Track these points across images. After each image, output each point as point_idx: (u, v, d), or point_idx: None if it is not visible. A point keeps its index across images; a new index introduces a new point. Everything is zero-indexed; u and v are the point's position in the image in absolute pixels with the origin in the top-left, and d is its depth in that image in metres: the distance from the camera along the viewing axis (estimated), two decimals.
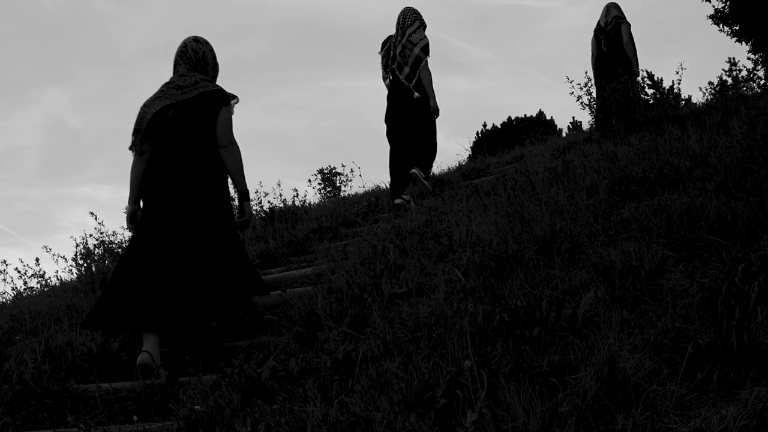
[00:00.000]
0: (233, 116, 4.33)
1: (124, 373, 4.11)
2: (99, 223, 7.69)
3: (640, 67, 8.22)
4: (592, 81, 8.15)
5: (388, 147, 7.22)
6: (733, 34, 13.25)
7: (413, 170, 6.88)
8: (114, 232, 7.73)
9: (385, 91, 7.24)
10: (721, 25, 13.41)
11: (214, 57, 4.49)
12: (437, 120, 7.22)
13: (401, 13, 7.19)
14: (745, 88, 11.98)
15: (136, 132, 4.26)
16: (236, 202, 4.47)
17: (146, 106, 4.30)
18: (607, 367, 2.45)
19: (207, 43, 4.49)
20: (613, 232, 3.89)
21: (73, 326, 4.82)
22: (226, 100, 4.30)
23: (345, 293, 4.12)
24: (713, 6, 13.43)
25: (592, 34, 8.43)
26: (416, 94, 6.98)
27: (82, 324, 4.37)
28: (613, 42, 8.19)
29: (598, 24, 8.41)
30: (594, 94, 7.86)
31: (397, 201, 6.83)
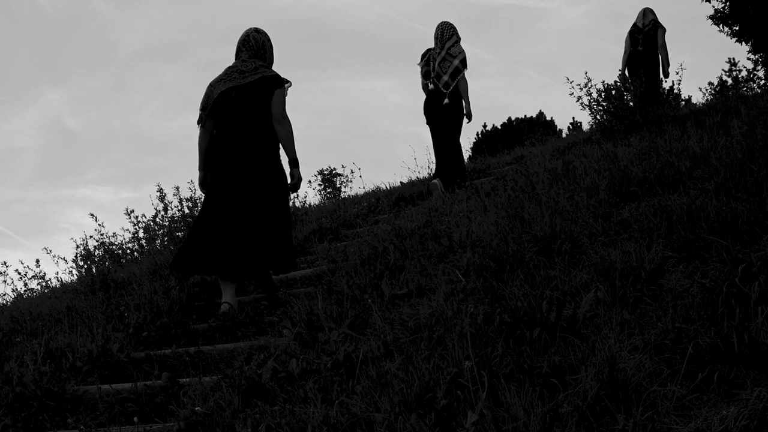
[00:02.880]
0: (287, 97, 4.93)
1: (124, 375, 4.11)
2: (99, 225, 7.69)
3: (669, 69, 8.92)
4: (621, 77, 8.81)
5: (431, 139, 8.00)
6: (733, 34, 13.26)
7: (434, 181, 7.64)
8: (114, 233, 7.73)
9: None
10: (721, 25, 13.41)
11: (271, 46, 5.09)
12: (466, 123, 7.93)
13: (439, 27, 7.78)
14: (745, 89, 11.99)
15: (203, 109, 4.90)
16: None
17: (212, 87, 4.91)
18: (608, 367, 2.45)
19: (265, 33, 5.08)
20: (614, 233, 3.89)
21: (73, 328, 4.82)
22: (281, 83, 4.88)
23: (345, 294, 4.12)
24: (713, 6, 13.44)
25: (626, 34, 9.08)
26: (446, 101, 7.63)
27: (169, 267, 5.08)
28: (649, 43, 8.92)
29: (635, 25, 9.07)
30: (594, 96, 7.92)
31: (433, 181, 7.56)
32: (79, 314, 5.24)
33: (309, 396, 3.00)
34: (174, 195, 7.28)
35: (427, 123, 7.91)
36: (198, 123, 4.92)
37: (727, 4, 12.95)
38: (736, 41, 13.28)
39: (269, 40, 5.06)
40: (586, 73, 9.25)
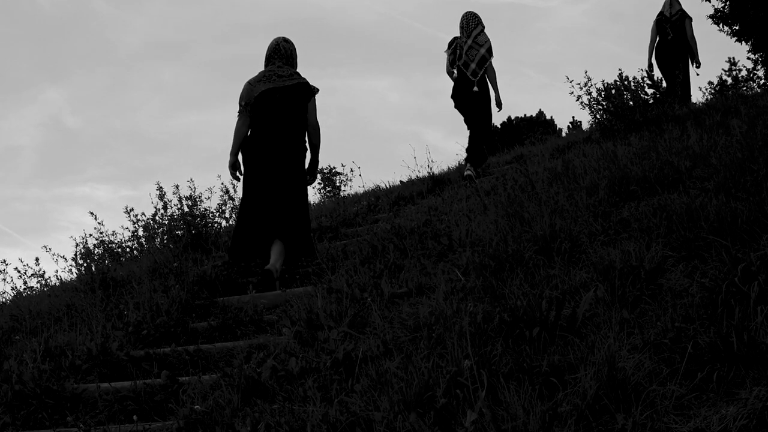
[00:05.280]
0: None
1: (123, 373, 4.11)
2: (99, 223, 7.66)
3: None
4: (648, 66, 9.19)
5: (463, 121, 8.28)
6: (733, 34, 13.26)
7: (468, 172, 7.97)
8: (113, 231, 7.70)
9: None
10: (721, 25, 13.42)
11: (296, 54, 5.68)
12: (497, 112, 8.21)
13: (464, 17, 8.11)
14: (744, 88, 11.97)
15: (247, 103, 5.41)
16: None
17: (251, 84, 5.44)
18: (607, 366, 2.45)
19: (292, 43, 5.66)
20: (613, 232, 3.89)
21: (72, 326, 4.82)
22: (313, 92, 5.50)
23: (345, 293, 4.11)
24: (713, 6, 13.45)
25: (653, 23, 9.40)
26: (475, 88, 7.92)
27: (227, 253, 5.66)
28: (678, 32, 9.21)
29: (661, 14, 9.38)
30: (594, 95, 7.92)
31: (467, 173, 7.83)
32: (79, 312, 5.24)
33: (308, 395, 3.00)
34: (173, 193, 7.25)
35: (456, 107, 8.16)
36: (239, 114, 5.42)
37: (727, 3, 12.96)
38: (736, 41, 13.29)
39: (295, 49, 5.65)
40: (585, 72, 9.18)
